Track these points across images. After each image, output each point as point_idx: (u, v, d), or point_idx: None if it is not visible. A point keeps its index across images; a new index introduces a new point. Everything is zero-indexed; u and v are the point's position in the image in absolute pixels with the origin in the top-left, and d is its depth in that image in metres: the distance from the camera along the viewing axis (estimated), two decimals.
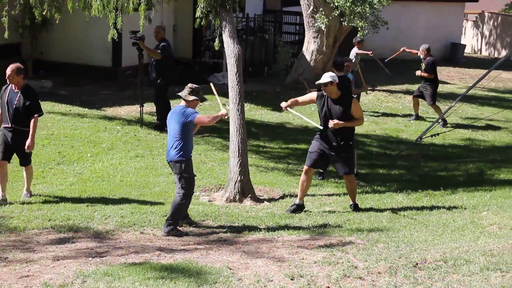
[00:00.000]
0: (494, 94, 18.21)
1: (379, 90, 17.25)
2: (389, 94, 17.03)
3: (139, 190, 9.10)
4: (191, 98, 7.07)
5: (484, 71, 13.52)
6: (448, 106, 13.27)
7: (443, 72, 19.35)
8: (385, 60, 15.77)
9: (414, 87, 16.03)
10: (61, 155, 10.36)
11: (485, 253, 5.84)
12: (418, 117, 14.51)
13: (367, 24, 14.77)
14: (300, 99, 8.29)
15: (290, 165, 10.82)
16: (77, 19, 13.54)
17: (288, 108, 8.13)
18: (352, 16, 14.81)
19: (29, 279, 5.30)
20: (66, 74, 15.50)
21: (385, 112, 15.29)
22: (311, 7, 15.82)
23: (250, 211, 8.26)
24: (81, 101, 13.54)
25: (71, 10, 10.22)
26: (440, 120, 13.24)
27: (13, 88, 7.88)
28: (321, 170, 9.53)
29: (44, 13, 10.48)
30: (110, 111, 13.21)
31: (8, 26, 10.80)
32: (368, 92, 15.26)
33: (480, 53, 27.97)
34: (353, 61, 12.72)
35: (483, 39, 28.22)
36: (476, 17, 28.91)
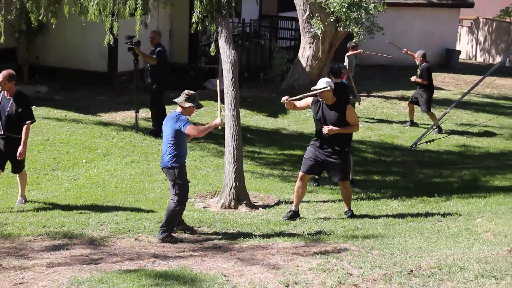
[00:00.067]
0: (489, 100, 18.28)
1: (374, 96, 17.30)
2: (384, 100, 17.08)
3: (134, 196, 9.09)
4: (187, 104, 7.06)
5: (479, 77, 13.56)
6: (443, 112, 13.30)
7: (438, 78, 19.40)
8: (386, 41, 15.67)
9: (409, 93, 16.09)
10: (56, 161, 10.35)
11: (480, 260, 5.85)
12: (413, 123, 14.55)
13: (362, 30, 14.82)
14: (297, 103, 8.30)
15: (285, 171, 10.83)
16: (73, 24, 13.55)
17: (289, 100, 8.04)
18: (347, 22, 14.85)
19: (24, 286, 5.29)
20: (62, 79, 15.51)
21: (380, 118, 15.32)
22: (307, 13, 15.86)
23: (245, 217, 8.26)
24: (76, 107, 13.53)
25: (67, 15, 10.22)
26: (435, 127, 13.28)
27: (5, 94, 7.83)
28: (316, 177, 9.54)
29: (40, 17, 10.48)
30: (105, 116, 13.21)
31: (4, 30, 10.79)
32: (361, 103, 15.27)
33: (475, 59, 28.07)
34: (347, 67, 12.74)
35: (478, 45, 28.33)
36: (471, 23, 29.02)
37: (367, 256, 6.18)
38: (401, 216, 8.35)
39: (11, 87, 7.80)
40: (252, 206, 8.88)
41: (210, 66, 17.49)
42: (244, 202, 8.83)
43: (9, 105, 7.77)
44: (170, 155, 7.01)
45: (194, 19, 9.09)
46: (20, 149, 7.80)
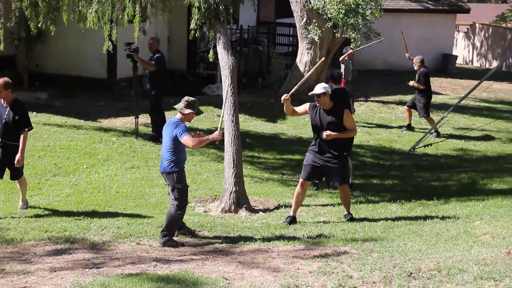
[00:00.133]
0: (486, 104, 18.33)
1: (372, 101, 17.35)
2: (382, 105, 17.12)
3: (135, 201, 9.10)
4: (187, 111, 7.07)
5: (475, 82, 13.62)
6: (440, 117, 13.34)
7: (435, 83, 19.44)
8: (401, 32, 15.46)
9: (407, 98, 16.14)
10: (57, 166, 10.36)
11: (479, 262, 5.87)
12: (410, 127, 14.59)
13: (360, 36, 14.87)
14: (296, 108, 8.32)
15: (284, 176, 10.85)
16: (72, 31, 13.60)
17: (287, 96, 8.04)
18: (345, 28, 14.91)
19: None
20: (62, 85, 15.53)
21: (378, 123, 15.36)
22: (305, 19, 15.92)
23: (245, 221, 8.28)
24: (76, 113, 13.55)
25: (66, 22, 10.27)
26: (433, 131, 13.32)
27: (2, 102, 7.80)
28: (316, 181, 9.55)
29: (39, 25, 10.53)
30: (105, 122, 13.23)
31: (4, 38, 10.85)
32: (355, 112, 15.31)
33: (472, 64, 28.15)
34: (343, 73, 12.83)
35: (475, 50, 28.42)
36: (468, 29, 29.12)
37: (367, 259, 6.19)
38: (400, 219, 8.37)
39: (8, 95, 7.76)
40: (252, 210, 8.90)
41: (208, 72, 17.53)
42: (244, 206, 8.85)
43: (6, 113, 7.74)
44: (169, 160, 7.03)
45: (192, 25, 9.12)
46: (18, 156, 7.77)
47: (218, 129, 7.12)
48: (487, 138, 14.35)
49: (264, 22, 19.81)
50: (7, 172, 8.24)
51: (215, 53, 9.27)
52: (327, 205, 9.31)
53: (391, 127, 14.98)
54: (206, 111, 13.92)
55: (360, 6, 14.71)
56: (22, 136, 7.82)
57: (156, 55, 11.91)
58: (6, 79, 7.81)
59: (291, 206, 8.42)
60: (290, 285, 5.43)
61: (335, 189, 9.18)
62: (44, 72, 15.90)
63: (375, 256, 6.32)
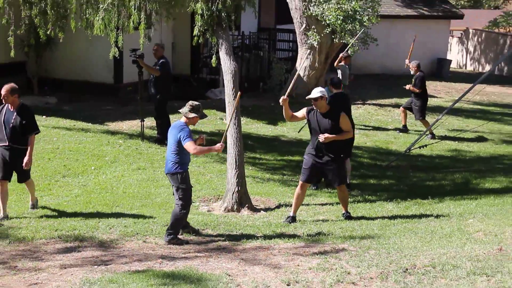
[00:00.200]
0: (479, 107, 18.33)
1: (369, 104, 17.37)
2: (378, 107, 17.14)
3: (141, 201, 9.13)
4: (191, 115, 7.10)
5: (469, 85, 13.63)
6: (435, 119, 13.36)
7: (430, 86, 19.44)
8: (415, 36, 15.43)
9: (403, 101, 16.14)
10: (66, 168, 10.39)
11: (472, 258, 5.89)
12: (405, 128, 14.60)
13: (357, 41, 14.89)
14: (295, 113, 8.34)
15: (285, 176, 10.87)
16: (80, 38, 13.64)
17: (284, 98, 8.06)
18: (343, 34, 14.93)
19: (38, 287, 5.33)
20: (70, 90, 15.57)
21: (375, 125, 15.38)
22: (304, 25, 15.94)
23: (247, 220, 8.31)
24: (84, 116, 13.58)
25: (74, 30, 10.29)
26: (427, 133, 13.34)
27: (9, 107, 7.76)
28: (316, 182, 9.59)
29: (48, 32, 10.55)
30: (112, 125, 13.26)
31: (14, 45, 10.85)
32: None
33: (465, 68, 28.16)
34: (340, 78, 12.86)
35: (468, 54, 28.43)
36: (461, 34, 29.13)
37: (364, 256, 6.21)
38: (396, 217, 8.39)
39: (14, 100, 7.72)
40: (254, 209, 8.92)
41: (211, 76, 17.55)
42: (246, 205, 8.88)
43: (13, 118, 7.70)
44: (173, 162, 7.05)
45: (195, 32, 9.14)
46: (26, 159, 7.74)
47: (221, 141, 7.15)
48: (480, 139, 14.36)
49: (265, 29, 19.84)
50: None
51: (218, 58, 9.30)
52: (326, 204, 9.33)
53: (388, 129, 15.00)
54: (209, 114, 13.94)
55: (358, 13, 14.74)
56: (30, 140, 7.79)
57: (161, 61, 11.93)
58: (12, 85, 7.77)
59: (291, 206, 8.44)
60: (291, 281, 5.45)
61: (334, 189, 9.21)
62: (53, 77, 15.93)
63: (372, 253, 6.34)
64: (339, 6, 14.67)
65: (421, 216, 8.42)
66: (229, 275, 5.63)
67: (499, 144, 14.13)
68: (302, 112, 8.22)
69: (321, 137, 7.87)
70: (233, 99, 8.87)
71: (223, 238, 7.23)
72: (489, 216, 8.04)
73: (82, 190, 9.52)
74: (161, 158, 11.04)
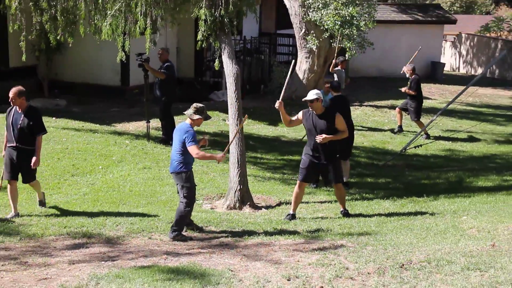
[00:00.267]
0: (472, 108, 18.29)
1: (366, 105, 17.33)
2: (375, 109, 17.10)
3: (147, 199, 9.11)
4: (196, 117, 7.09)
5: (462, 87, 13.59)
6: (430, 120, 13.33)
7: (424, 89, 19.36)
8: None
9: (399, 103, 16.10)
10: (75, 167, 10.37)
11: (466, 254, 5.86)
12: (400, 128, 14.57)
13: (354, 45, 14.86)
14: (293, 118, 8.29)
15: (285, 175, 10.85)
16: (88, 43, 13.64)
17: (280, 102, 8.02)
18: (341, 38, 14.90)
19: (47, 282, 5.31)
20: (79, 93, 15.58)
21: (372, 126, 15.34)
22: (303, 30, 15.92)
23: (249, 217, 8.28)
24: (92, 118, 13.57)
25: (83, 35, 10.29)
26: (422, 133, 13.30)
27: (17, 109, 7.73)
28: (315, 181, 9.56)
29: (58, 37, 10.56)
30: (119, 126, 13.24)
31: (26, 50, 10.85)
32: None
33: (458, 71, 28.11)
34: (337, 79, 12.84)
35: (461, 58, 28.38)
36: (454, 38, 29.09)
37: (362, 252, 6.18)
38: (393, 214, 8.36)
39: (22, 102, 7.67)
40: (255, 207, 8.90)
41: (214, 79, 17.54)
42: (248, 203, 8.85)
43: (21, 119, 7.66)
44: (178, 161, 7.04)
45: (199, 37, 9.13)
46: (34, 159, 7.70)
47: (224, 152, 7.14)
48: (473, 139, 14.33)
49: (265, 33, 19.82)
50: None
51: (221, 62, 9.28)
52: (325, 202, 9.30)
53: (384, 130, 14.96)
54: (212, 116, 13.93)
55: (355, 18, 14.71)
56: (37, 140, 7.74)
57: (166, 64, 11.92)
58: (20, 87, 7.72)
59: (291, 204, 8.41)
60: (291, 276, 5.42)
61: (332, 187, 9.18)
62: (62, 80, 15.94)
63: (369, 249, 6.31)
64: (337, 11, 14.64)
65: (416, 213, 8.39)
66: (232, 271, 5.60)
67: (491, 144, 14.09)
68: (298, 117, 8.18)
69: (318, 138, 7.84)
70: (235, 102, 8.84)
71: (226, 235, 7.21)
72: (482, 213, 8.01)
73: (90, 188, 9.50)
74: (166, 158, 11.02)
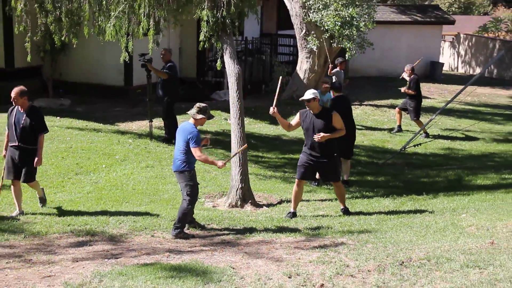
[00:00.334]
0: (470, 107, 18.26)
1: (366, 105, 17.29)
2: (375, 108, 17.06)
3: (150, 197, 9.09)
4: (199, 116, 7.08)
5: (461, 87, 13.55)
6: (429, 119, 13.30)
7: (424, 88, 19.35)
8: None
9: (398, 102, 16.08)
10: (79, 166, 10.36)
11: (465, 251, 5.83)
12: (400, 128, 14.54)
13: (354, 45, 14.82)
14: (291, 122, 8.23)
15: (286, 174, 10.82)
16: (92, 44, 13.63)
17: (275, 111, 8.03)
18: (340, 38, 14.86)
19: (51, 279, 5.29)
20: (83, 93, 15.57)
21: (372, 125, 15.31)
22: (304, 31, 15.89)
23: (250, 215, 8.26)
24: (96, 117, 13.55)
25: (87, 36, 10.27)
26: (422, 132, 13.28)
27: (19, 109, 7.68)
28: (316, 179, 9.52)
29: (62, 38, 10.54)
30: (122, 126, 13.23)
31: (31, 50, 10.85)
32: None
33: (457, 71, 28.07)
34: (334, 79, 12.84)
35: (459, 58, 28.34)
36: (453, 38, 29.04)
37: (362, 249, 6.16)
38: (393, 212, 8.33)
39: (24, 102, 7.63)
40: (256, 205, 8.87)
41: (216, 79, 17.52)
42: (250, 201, 8.83)
43: (23, 119, 7.62)
44: (181, 160, 7.03)
45: (201, 37, 9.11)
46: (36, 158, 7.66)
47: (225, 161, 7.15)
48: (472, 138, 14.29)
49: (267, 34, 19.80)
50: (36, 172, 8.18)
51: (223, 62, 9.26)
52: (325, 200, 9.27)
53: (384, 129, 14.93)
54: (214, 115, 13.87)
55: (355, 19, 14.66)
56: (39, 140, 7.71)
57: (168, 64, 11.91)
58: (21, 87, 7.67)
59: (291, 202, 8.38)
60: (292, 273, 5.39)
61: (330, 184, 9.15)
62: (67, 80, 15.92)
63: (369, 246, 6.29)
64: (337, 12, 14.60)
65: (416, 211, 8.36)
66: (233, 268, 5.58)
67: (490, 142, 14.05)
68: (296, 118, 8.13)
69: (316, 137, 7.80)
70: (237, 101, 8.82)
71: (227, 233, 7.19)
72: (481, 211, 7.98)
73: (93, 187, 9.48)
74: (169, 157, 11.00)
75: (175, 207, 8.13)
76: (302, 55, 16.44)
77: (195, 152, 6.92)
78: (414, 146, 12.08)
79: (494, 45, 26.21)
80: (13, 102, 7.66)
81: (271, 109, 7.91)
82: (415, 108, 13.92)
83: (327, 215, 8.26)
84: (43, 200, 8.15)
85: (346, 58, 15.33)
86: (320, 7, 15.04)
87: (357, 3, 14.99)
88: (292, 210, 8.17)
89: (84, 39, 10.81)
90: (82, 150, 11.13)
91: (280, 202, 9.08)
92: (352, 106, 15.69)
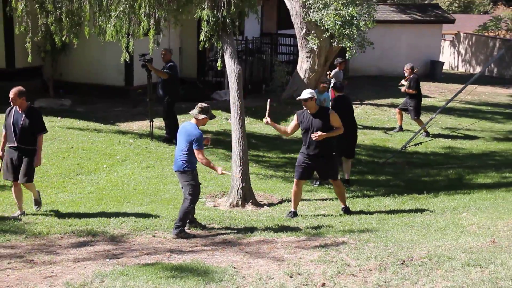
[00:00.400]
0: (471, 106, 18.25)
1: (366, 104, 17.28)
2: (375, 107, 17.06)
3: (151, 197, 9.09)
4: (201, 116, 7.09)
5: (461, 86, 13.55)
6: (429, 118, 13.29)
7: (424, 87, 19.35)
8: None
9: (399, 101, 16.08)
10: (80, 166, 10.36)
11: (466, 250, 5.82)
12: (401, 129, 14.53)
13: (354, 45, 14.82)
14: (289, 126, 8.20)
15: (287, 173, 10.81)
16: (93, 44, 13.61)
17: (269, 122, 8.07)
18: (341, 38, 14.85)
19: (53, 279, 5.28)
20: (83, 93, 15.56)
21: (373, 124, 15.30)
22: (304, 30, 15.88)
23: (251, 215, 8.25)
24: (97, 117, 13.55)
25: (87, 36, 10.26)
26: (422, 131, 13.27)
27: (17, 109, 7.63)
28: (318, 176, 9.51)
29: (63, 38, 10.53)
30: (123, 126, 13.22)
31: (31, 51, 10.83)
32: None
33: (457, 70, 28.06)
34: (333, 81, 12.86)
35: (459, 57, 28.33)
36: (453, 37, 29.03)
37: (363, 248, 6.15)
38: (393, 212, 8.33)
39: (22, 102, 7.58)
40: (257, 204, 8.87)
41: (217, 79, 17.51)
42: (251, 201, 8.82)
43: (22, 119, 7.57)
44: (183, 160, 7.04)
45: (202, 37, 9.10)
46: (36, 158, 7.63)
47: (225, 171, 7.19)
48: (472, 137, 14.28)
49: (267, 33, 19.79)
50: (37, 172, 8.17)
51: (223, 62, 9.25)
52: (326, 199, 9.27)
53: (385, 128, 14.92)
54: (215, 114, 13.89)
55: (355, 18, 14.65)
56: (38, 140, 7.67)
57: (169, 64, 11.91)
58: (20, 88, 7.62)
59: (291, 202, 8.37)
60: (293, 272, 5.39)
61: (330, 183, 9.15)
62: (67, 81, 15.91)
63: (370, 245, 6.28)
64: (337, 12, 14.60)
65: (417, 210, 8.35)
66: (235, 268, 5.58)
67: (490, 141, 14.04)
68: (294, 121, 8.12)
69: (314, 136, 7.80)
70: (238, 101, 8.81)
71: (229, 232, 7.19)
72: (482, 210, 7.97)
73: (94, 187, 9.48)
74: (170, 157, 11.00)
75: (176, 207, 8.12)
76: (302, 55, 16.43)
77: (198, 154, 6.96)
78: (415, 145, 12.07)
79: (494, 44, 26.19)
80: (11, 103, 7.61)
81: (265, 120, 7.93)
82: (415, 107, 13.91)
83: (328, 215, 8.25)
84: (38, 203, 7.99)
85: (347, 57, 15.34)
86: (320, 7, 15.03)
87: (357, 2, 14.99)
88: (292, 209, 8.17)
89: (85, 39, 10.80)
90: (83, 150, 11.12)
91: (281, 202, 9.07)
92: (353, 106, 15.74)
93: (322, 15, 14.96)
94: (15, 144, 7.62)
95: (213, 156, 11.42)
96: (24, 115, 7.60)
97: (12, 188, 7.83)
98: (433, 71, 22.94)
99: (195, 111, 7.09)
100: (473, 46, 27.39)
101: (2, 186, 8.84)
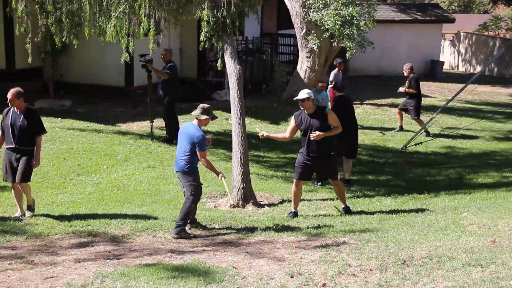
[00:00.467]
0: (471, 106, 18.24)
1: (366, 104, 17.28)
2: (376, 107, 17.06)
3: (151, 197, 9.08)
4: (203, 117, 7.09)
5: (461, 85, 13.54)
6: (429, 118, 13.28)
7: (424, 87, 19.36)
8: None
9: (399, 101, 16.07)
10: (80, 167, 10.36)
11: (467, 250, 5.82)
12: (401, 129, 14.53)
13: (354, 45, 14.81)
14: (288, 130, 8.15)
15: (287, 173, 10.80)
16: (93, 44, 13.61)
17: (265, 135, 8.08)
18: (341, 38, 14.85)
19: (54, 280, 5.29)
20: (84, 93, 15.57)
21: (373, 124, 15.30)
22: (304, 30, 15.88)
23: (252, 215, 8.24)
24: (97, 118, 13.55)
25: (87, 36, 10.26)
26: (422, 131, 13.27)
27: (15, 110, 7.60)
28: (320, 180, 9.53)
29: (63, 39, 10.54)
30: (123, 126, 13.22)
31: (32, 51, 10.84)
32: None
33: (457, 69, 28.05)
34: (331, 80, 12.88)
35: (460, 56, 28.33)
36: (453, 37, 29.03)
37: (364, 248, 6.14)
38: (394, 211, 8.32)
39: (20, 103, 7.55)
40: (258, 204, 8.86)
41: (217, 79, 17.51)
42: (251, 201, 8.82)
43: (20, 120, 7.53)
44: (185, 161, 7.05)
45: (202, 37, 9.10)
46: (34, 160, 7.60)
47: (224, 176, 7.21)
48: (473, 136, 14.27)
49: (267, 34, 19.79)
50: (35, 173, 8.20)
51: (223, 62, 9.25)
52: (327, 199, 9.26)
53: (385, 128, 14.91)
54: (215, 114, 13.88)
55: (355, 18, 14.65)
56: (37, 141, 7.63)
57: (169, 65, 11.91)
58: (18, 89, 7.60)
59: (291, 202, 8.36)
60: (294, 273, 5.38)
61: (329, 183, 9.15)
62: (68, 81, 15.92)
63: (371, 245, 6.27)
64: (337, 12, 14.60)
65: (417, 210, 8.35)
66: (235, 268, 5.57)
67: (491, 141, 14.04)
68: (292, 123, 8.09)
69: (312, 135, 7.80)
70: (238, 101, 8.81)
71: (229, 233, 7.18)
72: (482, 210, 7.96)
73: (95, 188, 9.48)
74: (170, 157, 11.00)
75: (177, 208, 8.12)
76: (302, 55, 16.43)
77: (201, 156, 6.99)
78: (415, 145, 12.06)
79: (494, 43, 26.18)
80: (9, 104, 7.58)
81: (260, 134, 7.95)
82: (416, 107, 13.91)
83: (329, 215, 8.25)
84: (31, 209, 7.83)
85: (347, 57, 15.33)
86: (320, 7, 15.03)
87: (357, 2, 14.99)
88: (293, 209, 8.16)
89: (85, 40, 10.80)
90: (84, 151, 11.12)
91: (282, 202, 9.07)
92: (353, 105, 15.72)
93: (322, 15, 14.96)
94: (13, 145, 7.59)
95: (214, 157, 11.42)
96: (22, 116, 7.57)
97: (12, 189, 7.82)
98: (433, 70, 22.93)
99: (197, 111, 7.10)
100: (473, 46, 27.38)
101: (2, 187, 8.84)
